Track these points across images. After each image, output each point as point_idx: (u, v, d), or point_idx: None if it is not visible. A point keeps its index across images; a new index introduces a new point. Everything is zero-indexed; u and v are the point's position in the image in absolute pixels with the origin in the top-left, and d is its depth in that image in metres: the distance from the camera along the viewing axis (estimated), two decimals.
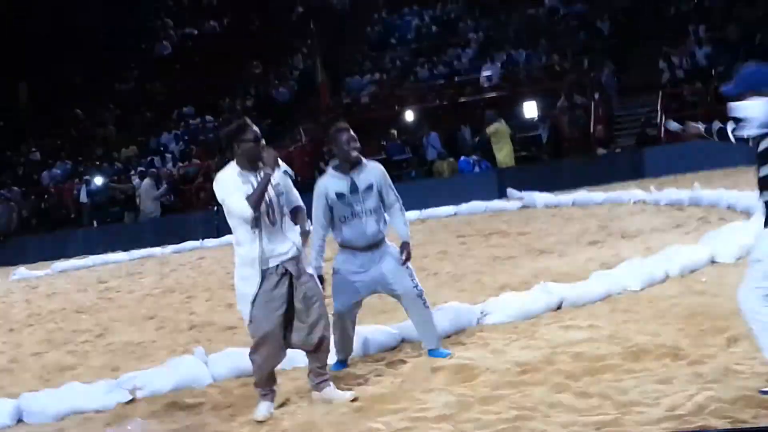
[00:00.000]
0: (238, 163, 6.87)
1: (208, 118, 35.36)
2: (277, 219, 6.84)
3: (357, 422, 6.43)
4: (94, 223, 30.05)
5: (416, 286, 7.73)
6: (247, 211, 6.67)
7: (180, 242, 24.21)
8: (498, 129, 25.74)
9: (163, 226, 27.09)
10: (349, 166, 7.64)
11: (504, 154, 25.84)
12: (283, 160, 7.13)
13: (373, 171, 7.73)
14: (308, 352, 7.09)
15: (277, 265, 6.81)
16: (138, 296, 15.51)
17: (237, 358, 8.34)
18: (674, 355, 6.89)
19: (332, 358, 7.77)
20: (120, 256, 23.91)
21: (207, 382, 8.08)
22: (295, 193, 7.12)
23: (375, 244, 7.67)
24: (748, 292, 5.68)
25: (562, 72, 30.18)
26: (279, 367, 7.19)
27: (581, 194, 20.33)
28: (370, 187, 7.62)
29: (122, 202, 30.21)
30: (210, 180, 28.97)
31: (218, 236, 24.58)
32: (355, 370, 7.84)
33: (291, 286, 6.87)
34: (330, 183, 7.68)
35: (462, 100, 30.90)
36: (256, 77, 37.39)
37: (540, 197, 20.96)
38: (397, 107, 31.44)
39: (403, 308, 7.93)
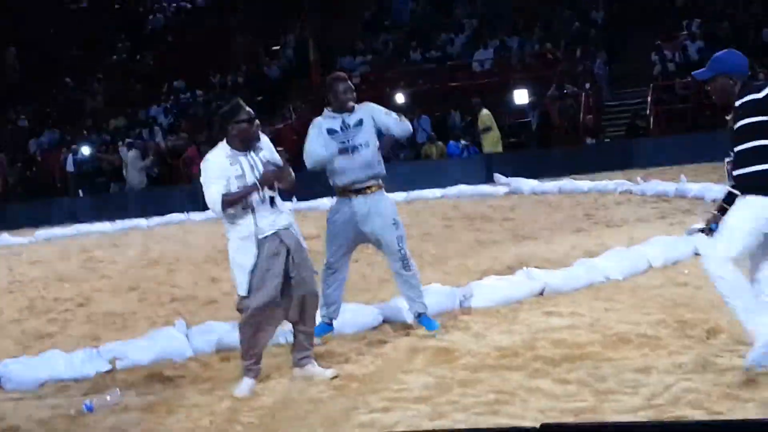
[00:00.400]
0: (228, 142, 6.87)
1: (199, 92, 35.28)
2: (266, 196, 6.84)
3: (336, 401, 6.45)
4: (80, 192, 29.97)
5: (401, 250, 7.84)
6: (217, 208, 6.75)
7: (165, 215, 24.15)
8: (488, 116, 25.81)
9: (149, 198, 27.04)
10: (346, 109, 7.87)
11: (491, 141, 25.89)
12: (271, 138, 7.18)
13: (362, 108, 7.94)
14: (296, 324, 7.10)
15: (274, 233, 6.84)
16: (121, 267, 15.49)
17: (218, 332, 8.36)
18: (654, 344, 6.92)
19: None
20: (105, 226, 23.82)
21: (187, 355, 8.09)
22: (277, 158, 7.08)
23: (368, 186, 7.82)
24: (720, 262, 5.72)
25: (555, 60, 30.18)
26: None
27: (568, 182, 20.36)
28: (359, 123, 7.83)
29: (109, 173, 30.13)
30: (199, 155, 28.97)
31: (204, 210, 24.51)
32: (336, 348, 7.84)
33: (287, 258, 6.88)
34: (324, 121, 7.93)
35: (453, 84, 30.88)
36: (248, 54, 37.28)
37: (527, 183, 20.98)
38: (388, 89, 31.40)
39: (390, 270, 8.05)
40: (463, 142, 26.34)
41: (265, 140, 7.05)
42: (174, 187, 28.23)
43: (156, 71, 38.29)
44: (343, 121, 7.83)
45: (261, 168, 6.83)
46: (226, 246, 7.01)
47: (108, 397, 6.93)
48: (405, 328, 8.05)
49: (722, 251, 5.72)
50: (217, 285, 12.22)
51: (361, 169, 7.80)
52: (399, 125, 7.95)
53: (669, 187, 16.97)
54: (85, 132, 33.70)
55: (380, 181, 7.93)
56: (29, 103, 37.91)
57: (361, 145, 7.79)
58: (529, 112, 27.88)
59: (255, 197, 6.78)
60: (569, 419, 5.52)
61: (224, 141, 6.89)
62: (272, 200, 6.87)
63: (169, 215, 24.07)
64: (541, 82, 28.70)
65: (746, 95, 5.73)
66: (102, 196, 29.22)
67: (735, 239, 5.69)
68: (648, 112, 26.66)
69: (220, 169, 6.78)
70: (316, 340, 7.44)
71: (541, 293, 9.07)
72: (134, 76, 38.37)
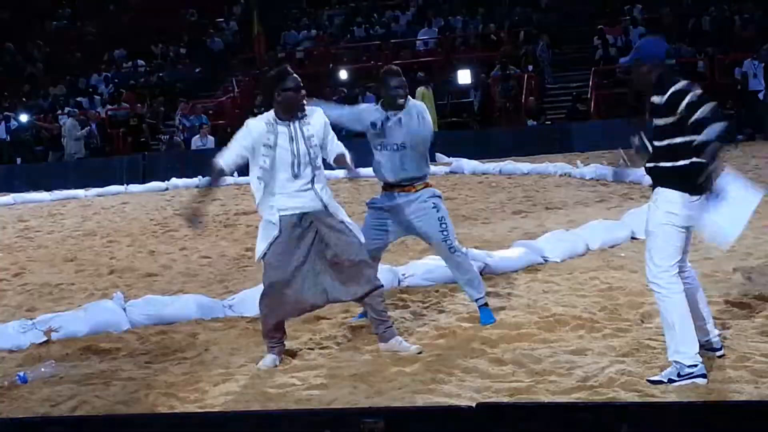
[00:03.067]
0: (275, 110, 6.69)
1: (140, 62, 34.90)
2: (301, 172, 6.63)
3: (274, 376, 6.46)
4: (18, 160, 29.53)
5: (443, 231, 7.44)
6: (214, 167, 6.66)
7: (104, 186, 23.92)
8: (423, 94, 25.76)
9: (88, 169, 26.69)
10: (393, 108, 7.44)
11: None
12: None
13: (411, 109, 7.45)
14: (360, 300, 6.91)
15: (301, 215, 6.64)
16: (58, 237, 15.33)
17: (156, 305, 8.33)
18: (589, 327, 7.01)
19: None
20: (42, 195, 23.55)
21: (124, 328, 8.03)
22: (337, 143, 6.90)
23: (408, 184, 7.46)
24: (652, 268, 5.82)
25: (498, 42, 30.31)
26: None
27: (508, 163, 20.49)
28: (399, 121, 7.39)
29: (47, 141, 29.72)
30: (132, 127, 28.66)
31: (144, 182, 24.37)
32: None
33: (318, 241, 6.68)
34: (370, 113, 7.57)
35: (397, 62, 30.88)
36: (191, 25, 36.97)
37: (468, 164, 21.09)
38: (331, 65, 31.36)
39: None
40: None
41: (319, 118, 6.79)
42: (113, 158, 27.93)
43: (97, 39, 37.81)
44: (386, 118, 7.40)
45: (301, 140, 6.62)
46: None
47: (42, 369, 6.88)
48: (344, 305, 8.04)
49: (658, 263, 5.81)
50: (156, 258, 12.16)
51: (394, 170, 7.43)
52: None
53: (608, 171, 17.13)
54: (23, 99, 33.18)
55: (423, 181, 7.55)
56: None
57: (397, 146, 7.39)
58: (472, 92, 27.99)
59: (287, 174, 6.60)
60: (504, 399, 5.59)
61: (272, 109, 6.72)
62: (312, 180, 6.66)
63: (107, 186, 23.83)
64: (484, 62, 28.82)
65: (656, 94, 5.81)
66: (39, 165, 28.79)
67: (668, 251, 5.79)
68: (589, 95, 26.88)
69: (252, 135, 6.61)
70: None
71: (480, 274, 9.12)
72: (75, 43, 37.82)
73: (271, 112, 6.73)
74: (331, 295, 6.82)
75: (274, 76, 6.80)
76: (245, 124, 6.78)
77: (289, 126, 6.65)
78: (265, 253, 6.69)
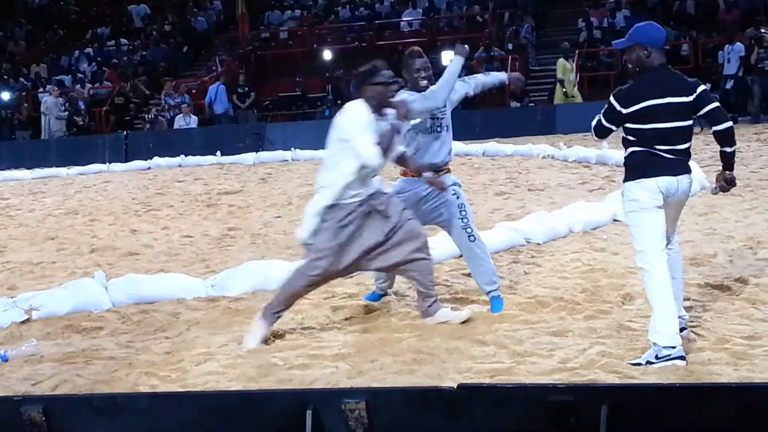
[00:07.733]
0: (366, 101, 6.62)
1: (123, 41, 34.72)
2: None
3: (255, 356, 6.45)
4: None
5: (463, 218, 7.27)
6: (376, 160, 6.47)
7: (86, 164, 23.80)
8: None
9: (70, 147, 26.58)
10: (420, 90, 7.19)
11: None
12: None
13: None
14: (405, 273, 6.93)
15: (361, 201, 6.62)
16: (39, 216, 15.26)
17: (137, 284, 8.30)
18: (571, 308, 7.03)
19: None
20: (23, 173, 23.44)
21: (106, 307, 8.00)
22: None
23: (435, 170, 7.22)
24: (637, 252, 5.90)
25: (482, 23, 30.28)
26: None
27: (492, 145, 20.50)
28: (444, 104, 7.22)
29: (27, 119, 29.54)
30: (115, 105, 28.46)
31: (126, 161, 24.28)
32: (255, 303, 7.81)
33: (366, 216, 6.67)
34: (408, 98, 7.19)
35: (380, 43, 30.85)
36: (175, 4, 36.78)
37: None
38: (315, 45, 31.27)
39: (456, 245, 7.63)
40: None
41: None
42: (95, 137, 27.80)
43: (79, 17, 37.58)
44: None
45: None
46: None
47: (23, 347, 6.86)
48: (326, 285, 8.03)
49: (638, 247, 5.88)
50: (137, 237, 12.13)
51: (433, 154, 7.21)
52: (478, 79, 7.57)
53: (591, 153, 17.18)
54: (4, 77, 32.99)
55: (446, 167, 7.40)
56: None
57: (446, 127, 7.26)
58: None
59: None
60: (485, 380, 5.60)
61: (362, 100, 6.64)
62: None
63: (89, 165, 23.72)
64: (468, 44, 28.73)
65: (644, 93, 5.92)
66: (20, 142, 28.65)
67: (645, 235, 5.85)
68: (573, 77, 26.85)
69: (369, 121, 6.53)
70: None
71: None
72: (57, 21, 37.59)
73: (364, 104, 6.62)
74: (373, 265, 6.86)
75: (366, 70, 6.73)
76: (350, 113, 6.62)
77: (379, 123, 6.59)
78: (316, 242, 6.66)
